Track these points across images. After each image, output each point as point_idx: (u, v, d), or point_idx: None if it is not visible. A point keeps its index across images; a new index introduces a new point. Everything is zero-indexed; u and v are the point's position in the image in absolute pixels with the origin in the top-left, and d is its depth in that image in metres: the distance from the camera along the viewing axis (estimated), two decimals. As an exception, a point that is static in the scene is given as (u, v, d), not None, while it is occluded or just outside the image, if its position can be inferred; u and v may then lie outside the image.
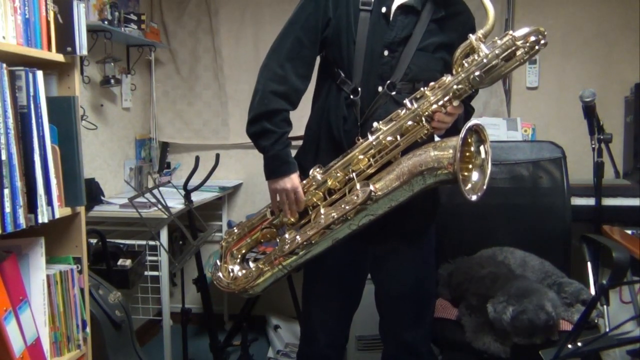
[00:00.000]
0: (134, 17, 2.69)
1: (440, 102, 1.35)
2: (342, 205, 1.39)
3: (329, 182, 1.44)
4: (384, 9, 1.45)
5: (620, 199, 2.30)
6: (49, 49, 1.45)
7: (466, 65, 1.33)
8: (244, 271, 1.56)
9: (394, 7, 1.45)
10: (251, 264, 1.56)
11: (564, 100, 2.83)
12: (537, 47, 1.30)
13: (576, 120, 2.56)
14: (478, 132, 1.37)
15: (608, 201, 2.25)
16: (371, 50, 1.45)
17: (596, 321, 1.78)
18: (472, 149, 1.37)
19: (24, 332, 1.34)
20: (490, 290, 1.74)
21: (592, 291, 1.93)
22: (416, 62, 1.44)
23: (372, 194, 1.35)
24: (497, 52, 1.30)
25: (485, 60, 1.31)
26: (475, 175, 1.38)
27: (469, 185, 1.36)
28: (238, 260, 1.60)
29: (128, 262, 2.24)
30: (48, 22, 1.44)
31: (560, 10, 2.83)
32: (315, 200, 1.46)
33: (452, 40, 1.46)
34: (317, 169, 1.46)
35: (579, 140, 2.69)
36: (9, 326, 1.28)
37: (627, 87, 2.74)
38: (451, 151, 1.30)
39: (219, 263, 1.62)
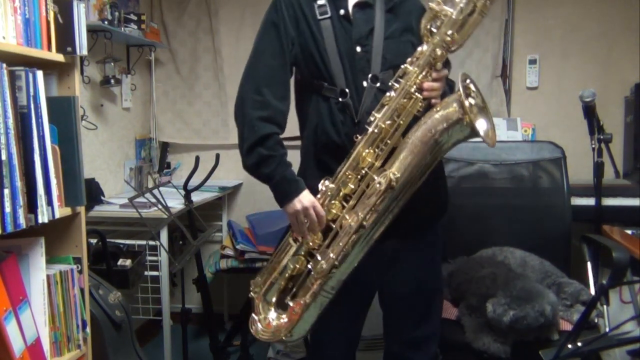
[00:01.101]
0: (134, 17, 2.69)
1: (425, 71, 1.37)
2: (366, 201, 1.35)
3: (344, 189, 1.40)
4: (342, 12, 1.49)
5: (620, 199, 2.30)
6: (49, 49, 1.45)
7: (435, 30, 1.36)
8: (284, 316, 1.45)
9: (350, 7, 1.49)
10: (290, 303, 1.44)
11: (564, 100, 2.83)
12: None
13: (576, 120, 2.56)
14: (466, 88, 1.36)
15: (608, 201, 2.25)
16: (344, 51, 1.47)
17: (596, 321, 1.78)
18: (467, 103, 1.35)
19: (24, 332, 1.34)
20: (491, 290, 1.74)
21: (592, 291, 1.93)
22: (388, 50, 1.48)
23: (392, 175, 1.32)
24: (461, 6, 1.33)
25: (453, 17, 1.33)
26: (482, 123, 1.34)
27: (482, 133, 1.33)
28: (273, 308, 1.48)
29: (128, 262, 2.24)
30: (48, 22, 1.44)
31: (560, 10, 2.83)
32: (334, 212, 1.41)
33: (410, 24, 1.51)
34: (326, 182, 1.43)
35: (579, 140, 2.69)
36: (9, 326, 1.28)
37: (627, 87, 2.74)
38: (456, 104, 1.31)
39: (255, 317, 1.50)
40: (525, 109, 2.89)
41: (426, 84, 1.37)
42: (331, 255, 1.37)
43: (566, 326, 1.73)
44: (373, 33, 1.48)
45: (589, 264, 2.03)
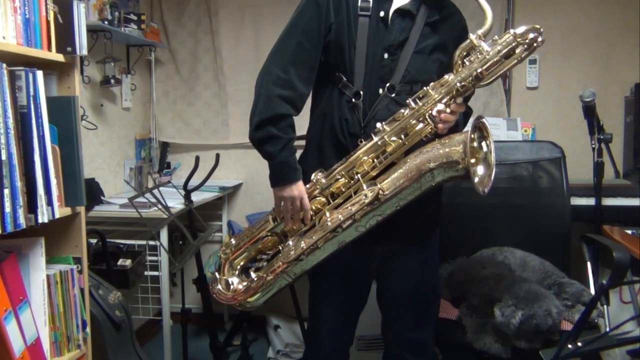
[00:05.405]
0: (134, 17, 2.69)
1: (444, 100, 1.37)
2: (349, 207, 1.38)
3: (333, 186, 1.43)
4: (382, 14, 1.47)
5: (620, 199, 2.30)
6: (49, 49, 1.45)
7: (467, 63, 1.36)
8: (244, 283, 1.52)
9: (391, 11, 1.47)
10: (252, 274, 1.51)
11: (564, 100, 2.83)
12: (535, 45, 1.33)
13: (576, 120, 2.56)
14: (481, 129, 1.38)
15: (608, 201, 2.25)
16: (372, 54, 1.46)
17: (596, 321, 1.78)
18: (475, 144, 1.37)
19: (24, 332, 1.34)
20: (495, 292, 1.74)
21: (592, 291, 1.93)
22: (413, 65, 1.46)
23: (381, 192, 1.34)
24: (498, 48, 1.33)
25: (487, 57, 1.34)
26: (480, 169, 1.37)
27: (477, 179, 1.35)
28: (237, 272, 1.55)
29: (128, 262, 2.24)
30: (48, 22, 1.44)
31: (560, 10, 2.83)
32: (318, 205, 1.45)
33: (446, 42, 1.49)
34: (320, 174, 1.45)
35: (579, 140, 2.69)
36: (9, 326, 1.28)
37: (627, 87, 2.74)
38: (461, 146, 1.31)
39: (217, 275, 1.57)
40: (525, 109, 2.89)
41: (443, 115, 1.37)
42: (302, 245, 1.42)
43: (566, 326, 1.73)
44: (405, 44, 1.46)
45: (589, 264, 2.02)
